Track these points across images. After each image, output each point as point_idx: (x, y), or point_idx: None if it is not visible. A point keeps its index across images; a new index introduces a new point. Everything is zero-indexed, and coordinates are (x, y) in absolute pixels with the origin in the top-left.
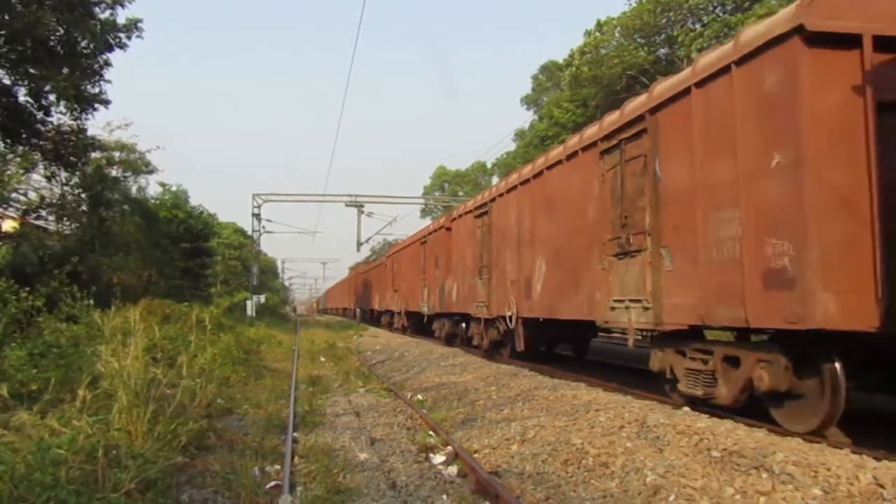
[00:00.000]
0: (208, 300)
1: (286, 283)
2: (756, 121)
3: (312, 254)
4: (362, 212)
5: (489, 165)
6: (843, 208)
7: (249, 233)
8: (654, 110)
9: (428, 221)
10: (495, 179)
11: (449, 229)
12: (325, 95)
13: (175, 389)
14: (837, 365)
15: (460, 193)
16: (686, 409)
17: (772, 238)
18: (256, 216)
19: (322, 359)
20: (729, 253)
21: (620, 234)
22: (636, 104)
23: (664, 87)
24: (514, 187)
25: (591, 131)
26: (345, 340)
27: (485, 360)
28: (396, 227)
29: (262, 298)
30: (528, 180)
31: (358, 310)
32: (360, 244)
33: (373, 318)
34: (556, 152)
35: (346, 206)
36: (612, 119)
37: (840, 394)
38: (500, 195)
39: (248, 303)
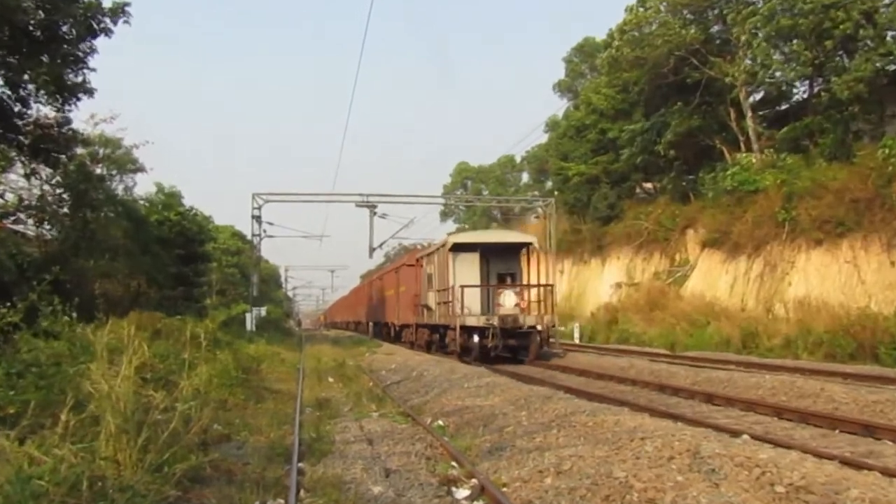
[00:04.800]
0: (203, 313)
1: (290, 294)
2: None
3: (319, 260)
4: (375, 213)
5: (518, 160)
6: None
7: (248, 237)
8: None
9: (450, 224)
10: (525, 176)
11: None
12: (332, 85)
13: (168, 414)
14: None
15: (484, 191)
16: (745, 437)
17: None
18: (257, 218)
19: (330, 379)
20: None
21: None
22: (427, 251)
23: (422, 253)
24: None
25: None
26: (355, 358)
27: (514, 381)
28: (414, 230)
29: (263, 311)
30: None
31: (371, 324)
32: (372, 249)
33: (389, 333)
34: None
35: (357, 206)
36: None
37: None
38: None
39: (248, 316)
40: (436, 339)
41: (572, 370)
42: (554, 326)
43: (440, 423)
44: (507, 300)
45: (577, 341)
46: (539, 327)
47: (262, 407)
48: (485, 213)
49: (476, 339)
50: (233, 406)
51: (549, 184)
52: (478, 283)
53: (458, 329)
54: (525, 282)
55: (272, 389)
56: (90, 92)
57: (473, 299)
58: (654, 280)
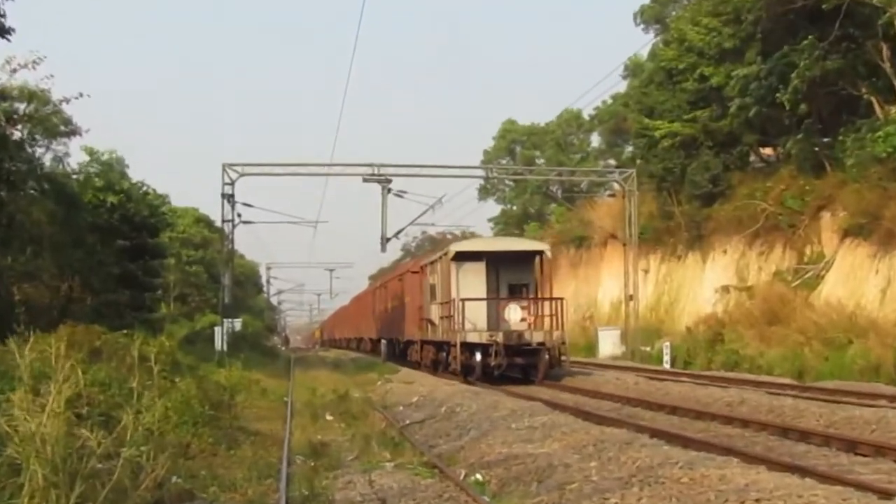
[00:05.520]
0: (157, 326)
1: (274, 301)
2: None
3: (314, 256)
4: (389, 190)
5: (586, 116)
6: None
7: (218, 223)
8: (424, 266)
9: (491, 204)
10: (595, 139)
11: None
12: (329, 27)
13: (111, 462)
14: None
15: (539, 160)
16: None
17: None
18: (229, 198)
19: (329, 417)
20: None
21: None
22: (430, 258)
23: (426, 260)
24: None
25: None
26: (363, 388)
27: (579, 421)
28: (443, 214)
29: (238, 324)
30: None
31: (383, 341)
32: (386, 240)
33: (394, 351)
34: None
35: (365, 181)
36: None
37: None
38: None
39: (217, 330)
40: (442, 357)
41: (661, 406)
42: (564, 343)
43: (478, 476)
44: (513, 314)
45: (667, 366)
46: (548, 344)
47: (237, 454)
48: (540, 190)
49: (478, 356)
50: (197, 452)
51: (629, 149)
52: (484, 295)
53: (458, 346)
54: (541, 294)
55: (250, 430)
56: (5, 31)
57: (478, 314)
58: (774, 282)
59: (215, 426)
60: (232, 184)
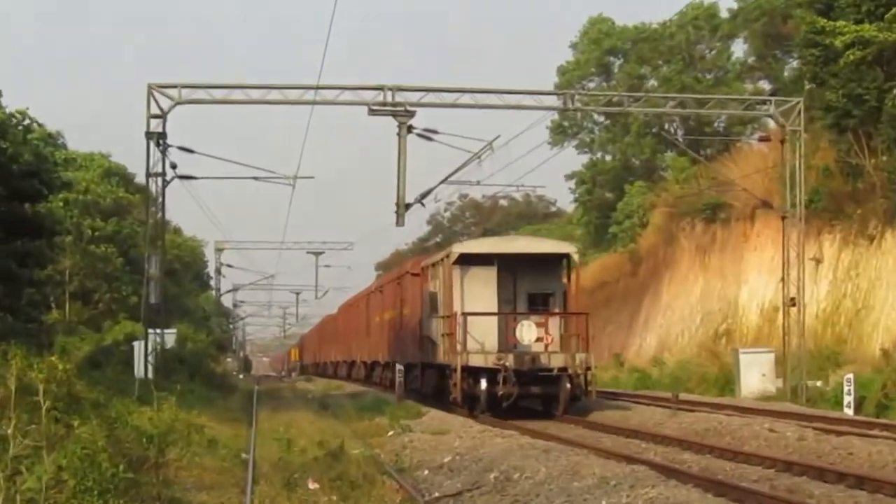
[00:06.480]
0: (45, 339)
1: (228, 303)
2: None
3: (291, 233)
4: (410, 128)
5: (724, 14)
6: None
7: (140, 179)
8: (425, 268)
9: (570, 152)
10: (739, 49)
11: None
12: None
13: None
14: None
15: (651, 80)
16: None
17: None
18: (158, 138)
19: (313, 484)
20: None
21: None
22: (432, 259)
23: (428, 261)
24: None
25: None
26: (365, 440)
27: (707, 497)
28: (493, 168)
29: (171, 337)
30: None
31: (398, 367)
32: (405, 207)
33: (408, 381)
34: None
35: (372, 113)
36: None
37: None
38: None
39: (138, 346)
40: (447, 385)
41: (840, 476)
42: (590, 369)
43: None
44: (526, 333)
45: (849, 412)
46: (570, 370)
47: None
48: (649, 130)
49: (484, 384)
50: None
51: (793, 65)
52: (495, 307)
53: (458, 371)
54: (570, 307)
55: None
56: None
57: (486, 331)
58: None
59: (135, 496)
60: (163, 116)
